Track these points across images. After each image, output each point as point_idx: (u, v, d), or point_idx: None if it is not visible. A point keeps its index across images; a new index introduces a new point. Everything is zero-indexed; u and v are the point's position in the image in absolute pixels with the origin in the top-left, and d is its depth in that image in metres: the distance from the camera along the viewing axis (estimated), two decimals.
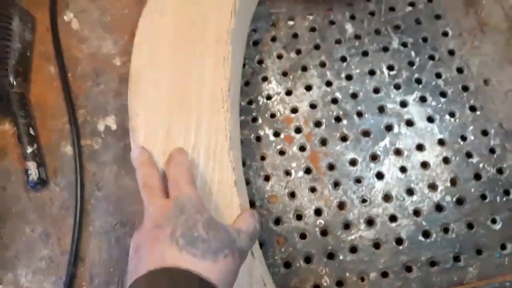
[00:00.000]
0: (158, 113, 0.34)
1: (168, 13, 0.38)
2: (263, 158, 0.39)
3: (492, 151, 0.37)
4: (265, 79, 0.41)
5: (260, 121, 0.40)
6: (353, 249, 0.35)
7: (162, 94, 0.35)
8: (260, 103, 0.41)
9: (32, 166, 0.38)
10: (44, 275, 0.37)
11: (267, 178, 0.38)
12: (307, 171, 0.38)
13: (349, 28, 0.42)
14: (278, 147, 0.39)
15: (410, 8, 0.42)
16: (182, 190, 0.28)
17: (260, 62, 0.42)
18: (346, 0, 0.43)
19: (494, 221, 0.35)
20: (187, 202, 0.27)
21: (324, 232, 0.36)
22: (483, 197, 0.36)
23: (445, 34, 0.41)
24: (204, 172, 0.32)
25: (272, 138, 0.39)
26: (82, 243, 0.37)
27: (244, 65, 0.42)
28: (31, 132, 0.39)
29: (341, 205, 0.37)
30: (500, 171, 0.36)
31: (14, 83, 0.40)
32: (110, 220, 0.38)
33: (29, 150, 0.38)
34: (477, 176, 0.36)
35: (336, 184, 0.37)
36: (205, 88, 0.35)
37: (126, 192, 0.39)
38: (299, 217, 0.37)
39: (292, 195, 0.37)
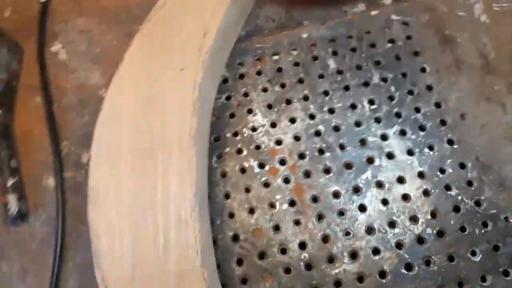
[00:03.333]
0: (122, 233, 0.32)
1: (125, 119, 0.36)
2: (247, 190, 0.39)
3: (469, 183, 0.38)
4: (250, 111, 0.42)
5: (245, 152, 0.40)
6: (338, 283, 0.35)
7: (124, 211, 0.33)
8: (245, 135, 0.41)
9: (12, 199, 0.37)
10: None
11: (251, 211, 0.38)
12: (292, 203, 0.38)
13: (332, 63, 0.43)
14: (263, 178, 0.39)
15: (390, 45, 0.44)
16: None
17: (246, 94, 0.43)
18: (328, 35, 0.44)
19: (473, 253, 0.36)
20: None
21: (308, 266, 0.36)
22: (463, 229, 0.36)
23: (423, 70, 0.42)
24: None
25: (257, 169, 0.40)
26: (62, 280, 0.36)
27: (229, 98, 0.43)
28: (13, 164, 0.39)
29: (325, 238, 0.37)
30: (478, 203, 0.37)
31: None
32: (91, 255, 0.37)
33: (10, 182, 0.38)
34: (456, 209, 0.37)
35: (320, 217, 0.38)
36: (171, 200, 0.33)
37: None
38: (283, 251, 0.37)
39: (277, 228, 0.37)
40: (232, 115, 0.42)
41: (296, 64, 0.44)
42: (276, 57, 0.44)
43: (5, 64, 0.43)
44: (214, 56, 0.39)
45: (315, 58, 0.44)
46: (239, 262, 0.36)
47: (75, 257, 0.37)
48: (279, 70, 0.44)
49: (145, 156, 0.35)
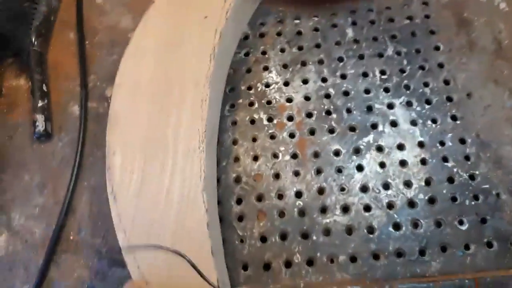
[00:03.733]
0: (135, 153, 0.35)
1: (149, 56, 0.39)
2: (254, 140, 0.41)
3: (467, 158, 0.39)
4: (266, 68, 0.44)
5: (256, 105, 0.43)
6: (327, 232, 0.37)
7: (140, 135, 0.36)
8: (259, 89, 0.44)
9: (40, 118, 0.41)
10: (35, 221, 0.39)
11: (255, 158, 0.41)
12: (294, 156, 0.41)
13: (350, 32, 0.45)
14: (270, 131, 0.42)
15: (407, 21, 0.45)
16: None
17: (264, 53, 0.45)
18: (350, 7, 0.46)
19: (461, 222, 0.37)
20: None
21: (301, 213, 0.38)
22: (454, 199, 0.38)
23: (437, 48, 0.44)
24: (178, 214, 0.33)
25: (265, 122, 0.42)
26: (75, 196, 0.40)
27: (248, 54, 0.45)
28: (44, 88, 0.42)
29: (321, 191, 0.39)
30: (472, 177, 0.39)
31: (36, 42, 0.43)
32: (104, 178, 0.40)
33: (40, 104, 0.41)
34: (450, 179, 0.39)
35: (318, 171, 0.40)
36: (182, 129, 0.35)
37: None
38: (280, 196, 0.39)
39: (277, 176, 0.40)
40: (249, 70, 0.44)
41: (316, 29, 0.46)
42: (297, 21, 0.46)
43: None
44: (238, 10, 0.41)
45: (334, 25, 0.46)
46: (239, 201, 0.39)
47: (90, 178, 0.40)
48: (299, 33, 0.46)
49: (163, 89, 0.37)
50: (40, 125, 0.40)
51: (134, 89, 0.38)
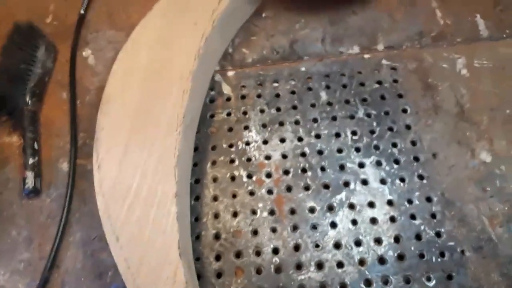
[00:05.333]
0: (121, 130, 0.40)
1: (144, 50, 0.45)
2: (234, 196, 0.44)
3: (433, 216, 0.42)
4: (246, 127, 0.48)
5: (237, 163, 0.46)
6: None
7: (128, 115, 0.41)
8: (239, 147, 0.46)
9: (30, 175, 0.43)
10: (20, 276, 0.40)
11: (235, 214, 0.43)
12: (271, 212, 0.43)
13: (323, 95, 0.49)
14: (249, 187, 0.44)
15: (377, 85, 0.49)
16: None
17: (245, 113, 0.48)
18: (324, 71, 0.50)
19: (429, 279, 0.39)
20: None
21: (278, 270, 0.40)
22: (421, 256, 0.40)
23: (404, 110, 0.48)
24: (151, 184, 0.38)
25: (245, 179, 0.45)
26: (60, 251, 0.41)
27: (230, 114, 0.48)
28: (35, 146, 0.45)
29: (297, 247, 0.41)
30: (438, 234, 0.41)
31: (29, 102, 0.46)
32: (90, 234, 0.42)
33: (30, 161, 0.44)
34: (418, 237, 0.41)
35: (294, 228, 0.42)
36: (165, 114, 0.41)
37: None
38: (258, 253, 0.41)
39: (255, 232, 0.42)
40: (230, 129, 0.48)
41: (293, 92, 0.49)
42: (275, 84, 0.50)
43: (41, 61, 0.49)
44: (223, 21, 0.48)
45: (309, 89, 0.49)
46: (217, 257, 0.41)
47: (76, 233, 0.42)
48: (277, 95, 0.49)
49: (153, 79, 0.43)
50: (30, 182, 0.42)
51: (127, 76, 0.44)
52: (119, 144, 0.40)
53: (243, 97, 0.49)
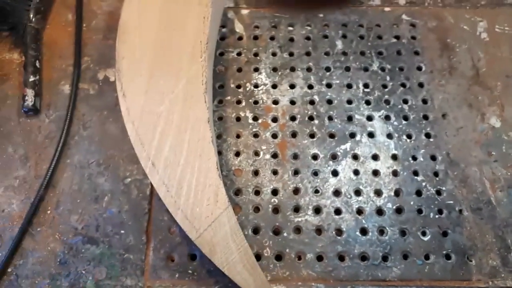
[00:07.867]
0: (143, 58, 0.39)
1: None
2: (238, 136, 0.43)
3: (436, 174, 0.42)
4: (256, 69, 0.46)
5: (243, 104, 0.44)
6: (297, 230, 0.39)
7: (148, 43, 0.40)
8: (247, 89, 0.45)
9: (30, 93, 0.41)
10: (14, 193, 0.40)
11: (237, 154, 0.42)
12: (274, 155, 0.42)
13: (339, 44, 0.47)
14: (254, 130, 0.43)
15: (394, 40, 0.48)
16: None
17: (256, 54, 0.47)
18: (342, 20, 0.48)
19: (424, 234, 0.40)
20: None
21: (275, 210, 0.40)
22: (420, 211, 0.40)
23: (419, 68, 0.46)
24: (182, 111, 0.37)
25: (250, 120, 0.44)
26: (57, 172, 0.40)
27: (240, 54, 0.47)
28: (37, 64, 0.43)
29: (296, 191, 0.41)
30: (438, 192, 0.41)
31: (33, 18, 0.44)
32: (88, 158, 0.41)
33: (31, 79, 0.42)
34: (418, 193, 0.41)
35: (296, 172, 0.41)
36: (186, 41, 0.39)
37: (109, 137, 0.42)
38: (257, 192, 0.41)
39: (256, 173, 0.41)
40: (239, 70, 0.46)
41: (307, 38, 0.48)
42: (290, 28, 0.48)
43: None
44: None
45: (325, 36, 0.48)
46: None
47: (74, 156, 0.41)
48: (291, 39, 0.48)
49: (169, 5, 0.41)
50: (29, 100, 0.41)
51: (143, 3, 0.41)
52: (142, 73, 0.38)
53: (255, 37, 0.48)
